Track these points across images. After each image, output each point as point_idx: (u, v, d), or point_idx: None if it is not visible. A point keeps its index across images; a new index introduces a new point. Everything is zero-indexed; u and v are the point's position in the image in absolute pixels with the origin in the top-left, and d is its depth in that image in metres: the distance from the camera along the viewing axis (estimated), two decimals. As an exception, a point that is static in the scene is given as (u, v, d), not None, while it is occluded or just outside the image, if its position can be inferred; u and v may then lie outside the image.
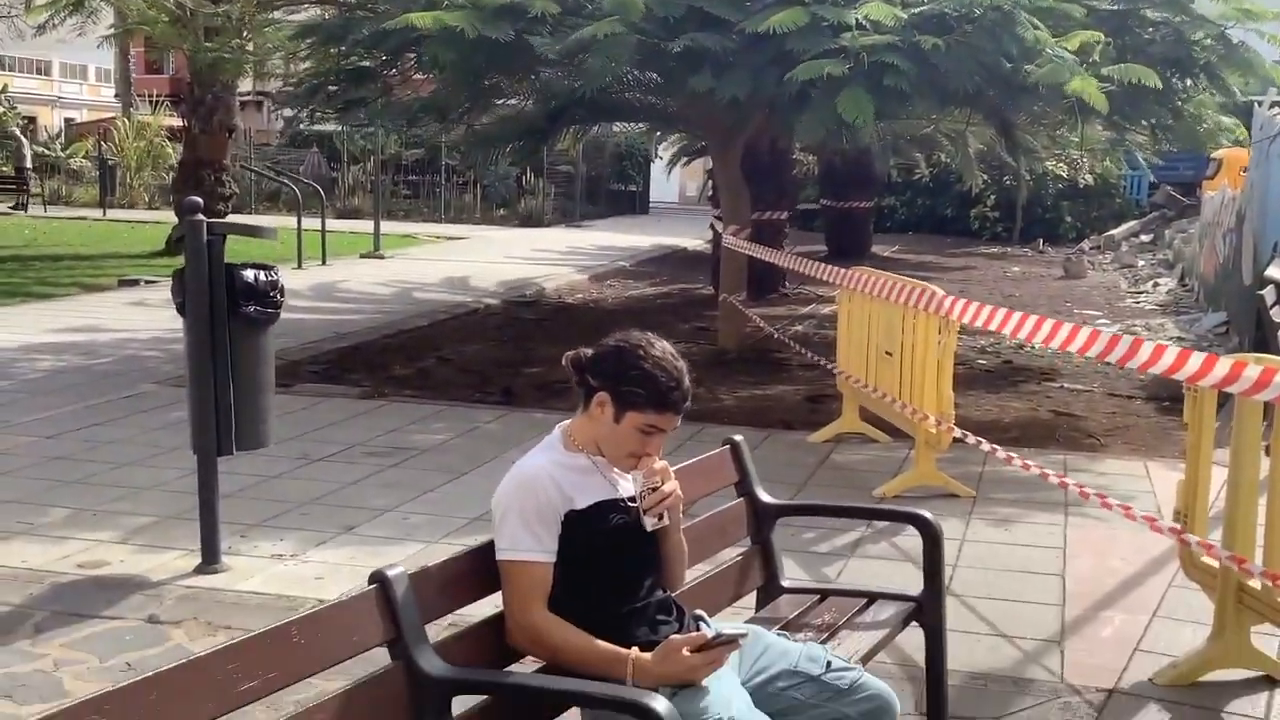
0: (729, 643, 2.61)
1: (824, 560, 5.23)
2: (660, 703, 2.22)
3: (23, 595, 4.69)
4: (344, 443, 7.08)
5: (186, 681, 2.00)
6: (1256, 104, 11.14)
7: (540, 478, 2.70)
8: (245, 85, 24.72)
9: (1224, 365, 3.80)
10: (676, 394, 2.72)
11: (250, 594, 4.69)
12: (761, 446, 7.28)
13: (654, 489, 2.74)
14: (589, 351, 2.78)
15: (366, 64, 10.79)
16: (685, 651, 2.50)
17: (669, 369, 2.72)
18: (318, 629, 2.27)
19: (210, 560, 4.97)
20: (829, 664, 2.84)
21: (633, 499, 2.75)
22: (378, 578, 2.43)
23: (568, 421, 2.84)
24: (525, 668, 2.69)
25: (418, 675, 2.38)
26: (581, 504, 2.70)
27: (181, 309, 4.91)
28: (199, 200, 4.83)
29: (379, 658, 2.45)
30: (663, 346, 2.77)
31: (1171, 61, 8.67)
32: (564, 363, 2.82)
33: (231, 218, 15.23)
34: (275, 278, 4.96)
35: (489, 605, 2.84)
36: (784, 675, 2.80)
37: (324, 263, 16.52)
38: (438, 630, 2.67)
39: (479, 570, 2.70)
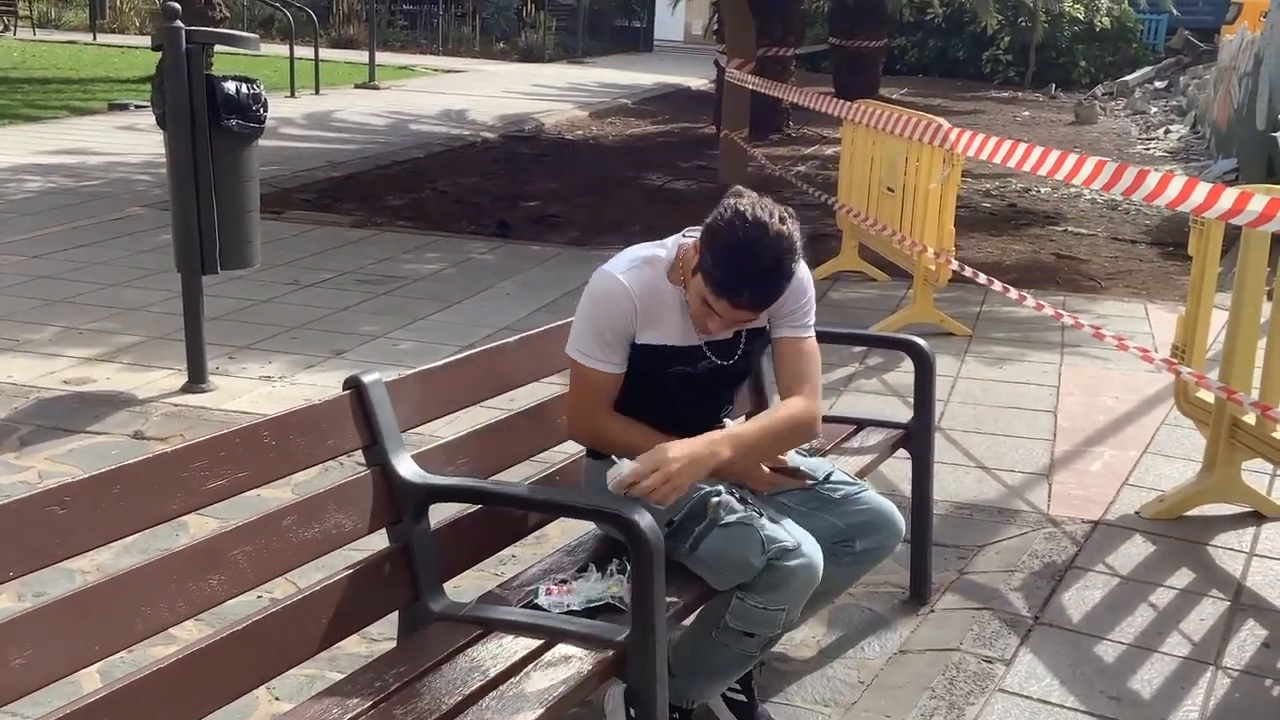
0: (796, 476, 2.70)
1: (816, 393, 5.19)
2: (643, 517, 2.17)
3: (8, 409, 4.66)
4: (335, 269, 6.99)
5: (151, 476, 1.95)
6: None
7: (623, 299, 2.57)
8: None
9: (1230, 196, 3.67)
10: (741, 289, 2.45)
11: (237, 413, 4.66)
12: (758, 282, 7.21)
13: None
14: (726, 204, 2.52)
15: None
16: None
17: (750, 260, 2.43)
18: (289, 431, 2.22)
19: (197, 379, 4.93)
20: (829, 475, 2.80)
21: (704, 348, 2.64)
22: (353, 383, 2.37)
23: (690, 241, 2.60)
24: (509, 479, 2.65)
25: (393, 480, 2.34)
26: (651, 339, 2.60)
27: (162, 121, 4.76)
28: (177, 5, 4.62)
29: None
30: (775, 229, 2.44)
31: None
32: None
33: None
34: (258, 90, 4.79)
35: (470, 417, 2.80)
36: None
37: (317, 92, 16.13)
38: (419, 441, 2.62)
39: (459, 382, 2.65)
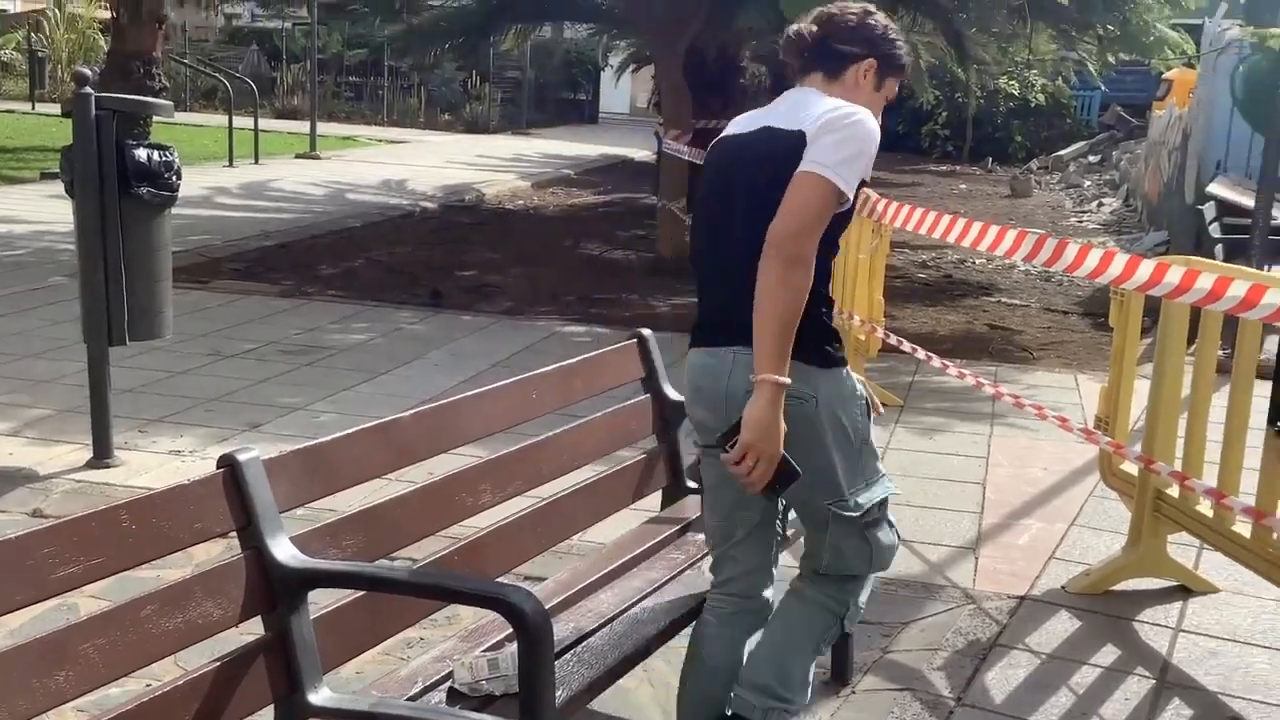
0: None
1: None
2: (528, 601, 2.05)
3: (-101, 487, 4.46)
4: (258, 340, 6.84)
5: (-10, 565, 1.81)
6: (1207, 20, 10.97)
7: (877, 133, 2.53)
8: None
9: (1147, 268, 3.66)
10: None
11: (142, 489, 4.46)
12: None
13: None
14: (829, 18, 2.63)
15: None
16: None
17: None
18: (152, 513, 2.09)
19: (102, 455, 4.75)
20: None
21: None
22: (227, 461, 2.24)
23: (857, 69, 2.63)
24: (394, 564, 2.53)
25: (269, 565, 2.20)
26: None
27: (70, 189, 4.63)
28: (86, 71, 4.52)
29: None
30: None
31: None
32: (791, 35, 2.65)
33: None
34: (171, 158, 4.69)
35: (359, 496, 2.68)
36: None
37: (256, 161, 16.02)
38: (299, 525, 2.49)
39: (349, 458, 2.52)
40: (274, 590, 2.21)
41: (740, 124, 2.67)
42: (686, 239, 10.78)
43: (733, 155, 2.62)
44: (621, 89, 29.10)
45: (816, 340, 2.50)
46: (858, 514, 2.56)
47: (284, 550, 2.23)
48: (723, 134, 2.69)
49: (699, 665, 2.74)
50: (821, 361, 2.51)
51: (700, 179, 2.81)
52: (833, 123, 2.45)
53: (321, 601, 2.33)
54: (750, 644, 2.72)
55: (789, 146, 2.46)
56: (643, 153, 21.03)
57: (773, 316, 2.35)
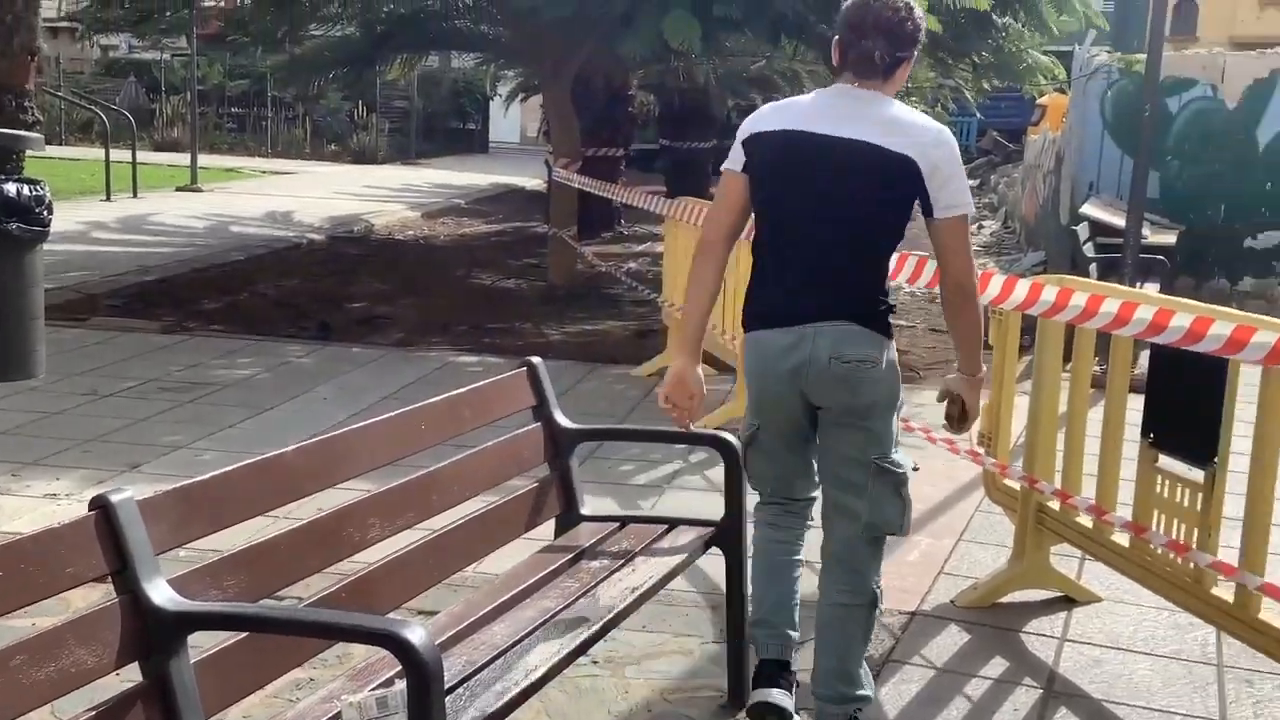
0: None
1: (639, 492, 5.11)
2: (416, 634, 2.02)
3: None
4: (138, 378, 6.64)
5: None
6: (1077, 46, 11.39)
7: None
8: (53, 10, 23.23)
9: (1023, 288, 3.78)
10: None
11: (13, 535, 4.30)
12: (586, 380, 7.15)
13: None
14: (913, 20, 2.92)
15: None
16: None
17: None
18: (21, 559, 2.01)
19: (-29, 500, 4.57)
20: None
21: None
22: (99, 503, 2.16)
23: (899, 104, 2.94)
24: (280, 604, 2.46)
25: (145, 609, 2.13)
26: None
27: (-67, 225, 4.46)
28: (-52, 104, 4.36)
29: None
30: None
31: (993, -5, 8.76)
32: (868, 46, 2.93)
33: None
34: (42, 192, 4.55)
35: (244, 535, 2.61)
36: None
37: (135, 195, 15.60)
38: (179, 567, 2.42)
39: (229, 496, 2.45)
40: (151, 635, 2.13)
41: (811, 121, 2.91)
42: (579, 267, 10.82)
43: (811, 155, 2.89)
44: (511, 118, 29.10)
45: (886, 316, 2.99)
46: (899, 470, 3.00)
47: (160, 593, 2.16)
48: (793, 127, 2.91)
49: (769, 566, 3.24)
50: (889, 333, 2.99)
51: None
52: (949, 160, 2.86)
53: (205, 644, 2.26)
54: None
55: (899, 172, 2.83)
56: (534, 181, 21.04)
57: (978, 335, 3.16)
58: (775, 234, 2.98)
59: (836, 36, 2.96)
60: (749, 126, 3.00)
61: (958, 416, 3.27)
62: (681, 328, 3.19)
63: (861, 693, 3.07)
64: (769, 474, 3.20)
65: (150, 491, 2.31)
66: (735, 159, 3.02)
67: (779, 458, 3.14)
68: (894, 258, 4.08)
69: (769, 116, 2.99)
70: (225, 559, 2.38)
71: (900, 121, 2.86)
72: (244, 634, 2.29)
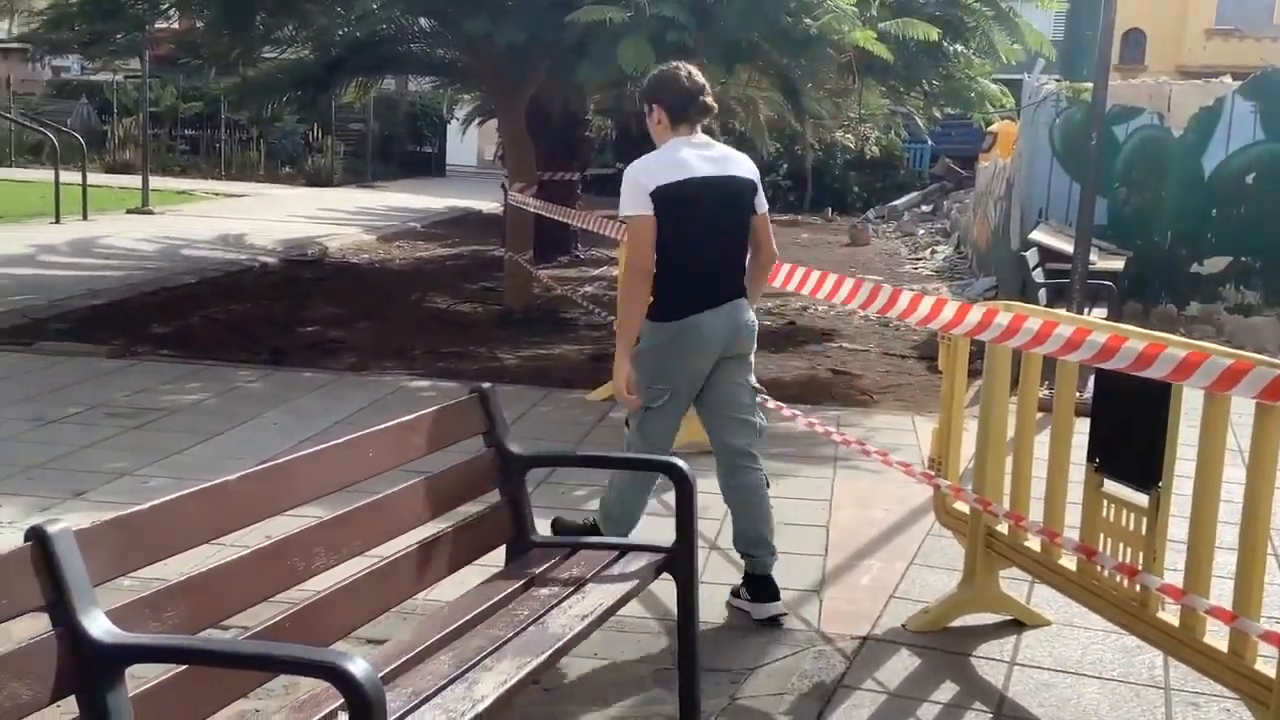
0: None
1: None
2: (357, 665, 1.99)
3: None
4: (84, 403, 6.55)
5: None
6: (1026, 75, 11.55)
7: None
8: (3, 31, 22.95)
9: (976, 313, 3.81)
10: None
11: (-47, 565, 4.21)
12: (541, 404, 7.12)
13: None
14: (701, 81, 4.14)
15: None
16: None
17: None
18: (-49, 593, 1.96)
19: (-91, 529, 4.47)
20: None
21: None
22: (34, 534, 2.13)
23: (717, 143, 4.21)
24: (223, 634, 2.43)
25: (83, 642, 2.09)
26: None
27: (-128, 249, 4.37)
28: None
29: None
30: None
31: (944, 23, 8.84)
32: (708, 100, 4.14)
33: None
34: (-16, 215, 4.47)
35: (189, 564, 2.57)
36: None
37: (85, 218, 15.41)
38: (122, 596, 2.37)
39: (169, 526, 2.42)
40: (88, 668, 2.09)
41: (698, 166, 4.01)
42: (534, 291, 10.80)
43: (708, 190, 4.02)
44: (468, 141, 29.01)
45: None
46: (759, 386, 4.36)
47: (98, 626, 2.12)
48: (694, 174, 3.99)
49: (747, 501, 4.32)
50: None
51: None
52: (756, 174, 4.19)
53: (148, 675, 2.22)
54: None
55: (751, 190, 4.13)
56: (490, 205, 21.00)
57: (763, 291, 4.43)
58: (694, 249, 4.02)
59: (668, 99, 4.06)
60: (649, 182, 3.95)
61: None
62: (626, 336, 4.07)
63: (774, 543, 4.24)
64: (669, 433, 4.22)
65: (94, 519, 2.27)
66: (644, 207, 3.95)
67: (677, 420, 4.23)
68: (830, 280, 5.09)
69: (659, 173, 3.98)
70: (165, 589, 2.34)
71: (735, 156, 4.14)
72: (184, 666, 2.26)
